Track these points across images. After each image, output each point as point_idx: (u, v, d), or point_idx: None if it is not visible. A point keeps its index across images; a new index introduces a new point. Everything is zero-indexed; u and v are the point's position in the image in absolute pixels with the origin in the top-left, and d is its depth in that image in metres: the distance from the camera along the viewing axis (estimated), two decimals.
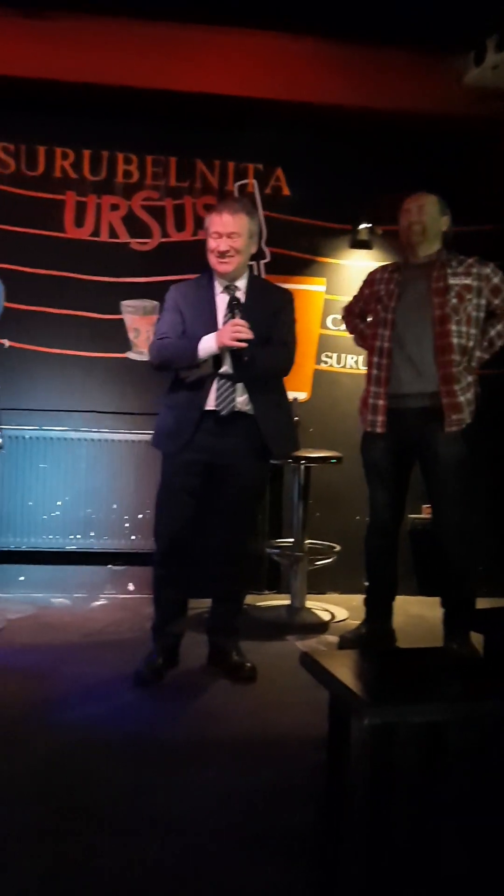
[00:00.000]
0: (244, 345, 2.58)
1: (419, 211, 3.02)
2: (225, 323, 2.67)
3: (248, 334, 2.58)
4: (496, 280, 2.99)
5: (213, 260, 2.72)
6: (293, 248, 4.13)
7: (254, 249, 2.77)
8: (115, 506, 3.87)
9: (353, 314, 3.27)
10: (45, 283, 3.91)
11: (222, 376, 2.68)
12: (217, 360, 2.67)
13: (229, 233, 2.68)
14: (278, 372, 2.80)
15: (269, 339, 2.70)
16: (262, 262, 4.11)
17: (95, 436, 3.85)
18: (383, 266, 3.24)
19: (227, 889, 1.63)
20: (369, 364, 3.10)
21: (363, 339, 3.23)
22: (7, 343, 3.91)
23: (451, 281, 2.95)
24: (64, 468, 3.85)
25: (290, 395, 4.07)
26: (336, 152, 4.09)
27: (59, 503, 3.84)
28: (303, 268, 4.15)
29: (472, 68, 3.65)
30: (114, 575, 3.91)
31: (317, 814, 1.69)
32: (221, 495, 2.76)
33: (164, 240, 4.02)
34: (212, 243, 2.70)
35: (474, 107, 3.84)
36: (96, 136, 3.97)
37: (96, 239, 3.98)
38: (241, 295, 2.74)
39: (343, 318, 3.37)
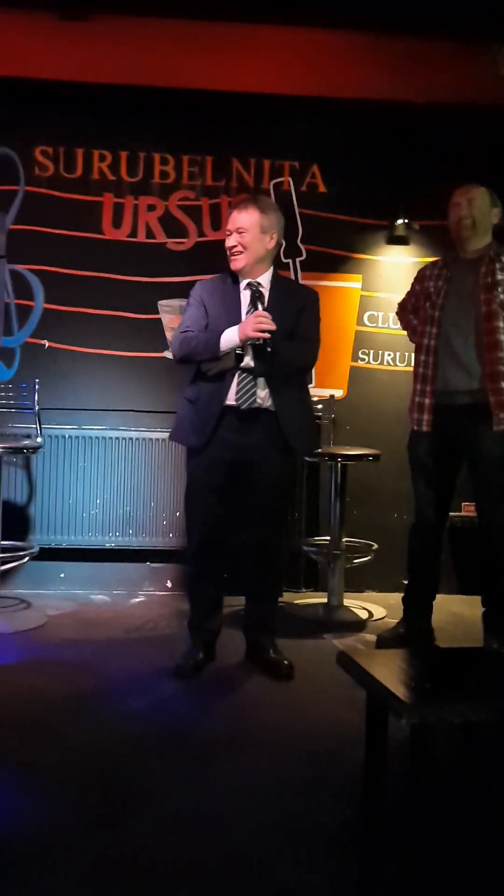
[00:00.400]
0: (267, 336, 2.58)
1: (469, 205, 2.95)
2: (248, 316, 2.68)
3: (271, 325, 2.58)
4: None
5: (229, 257, 2.76)
6: (329, 244, 4.11)
7: (270, 246, 2.75)
8: (153, 504, 3.91)
9: (407, 310, 3.20)
10: (84, 285, 3.96)
11: (243, 370, 2.68)
12: (239, 354, 2.68)
13: (237, 228, 2.71)
14: (300, 367, 2.79)
15: (292, 337, 2.70)
16: (298, 259, 4.11)
17: (134, 434, 3.90)
18: (434, 262, 3.17)
19: (266, 885, 1.64)
20: (416, 362, 3.06)
21: (416, 335, 3.18)
22: (47, 344, 3.97)
23: (500, 276, 2.88)
24: (103, 467, 3.90)
25: (327, 392, 4.10)
26: (372, 147, 4.06)
27: (98, 501, 3.90)
28: (339, 264, 4.13)
29: None
30: (152, 572, 3.96)
31: (355, 812, 1.69)
32: (247, 493, 2.75)
33: (200, 239, 4.04)
34: (226, 241, 2.76)
35: None
36: (133, 137, 4.00)
37: (133, 240, 4.02)
38: (264, 292, 2.74)
39: (397, 313, 3.32)
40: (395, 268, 4.14)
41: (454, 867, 1.63)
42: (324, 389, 4.12)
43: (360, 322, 4.16)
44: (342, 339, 4.14)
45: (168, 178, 4.05)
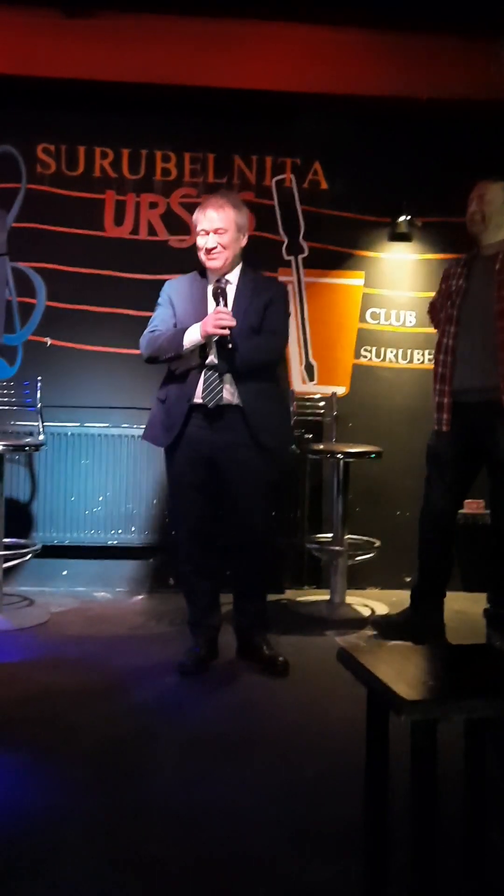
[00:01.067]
0: (227, 332, 2.58)
1: (479, 200, 2.96)
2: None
3: (231, 322, 2.58)
4: None
5: (202, 257, 2.73)
6: (331, 242, 4.11)
7: (243, 243, 2.76)
8: (155, 501, 3.91)
9: (437, 309, 3.20)
10: (86, 282, 3.96)
11: (209, 368, 2.67)
12: (203, 351, 2.67)
13: (215, 229, 2.69)
14: (265, 362, 2.75)
15: (259, 331, 2.69)
16: (301, 256, 4.10)
17: (136, 432, 3.88)
18: (457, 259, 3.17)
19: (272, 883, 1.65)
20: (436, 362, 3.06)
21: (438, 323, 3.17)
22: (50, 341, 3.97)
23: None
24: (105, 464, 3.90)
25: (329, 389, 4.10)
26: (374, 144, 4.05)
27: (100, 499, 3.90)
28: (341, 262, 4.12)
29: None
30: (155, 569, 3.96)
31: (361, 809, 1.69)
32: (225, 490, 2.74)
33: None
34: (199, 241, 2.72)
35: None
36: (135, 134, 4.00)
37: (136, 237, 4.02)
38: (232, 288, 2.73)
39: (428, 312, 3.31)
40: (397, 265, 4.13)
41: (459, 865, 1.62)
42: (326, 387, 4.12)
43: (362, 319, 4.15)
44: (345, 337, 4.13)
45: (170, 175, 4.04)
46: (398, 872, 1.54)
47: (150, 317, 3.97)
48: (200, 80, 3.75)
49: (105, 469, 3.89)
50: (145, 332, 2.81)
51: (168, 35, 3.71)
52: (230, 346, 2.60)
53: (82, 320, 3.96)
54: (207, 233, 2.71)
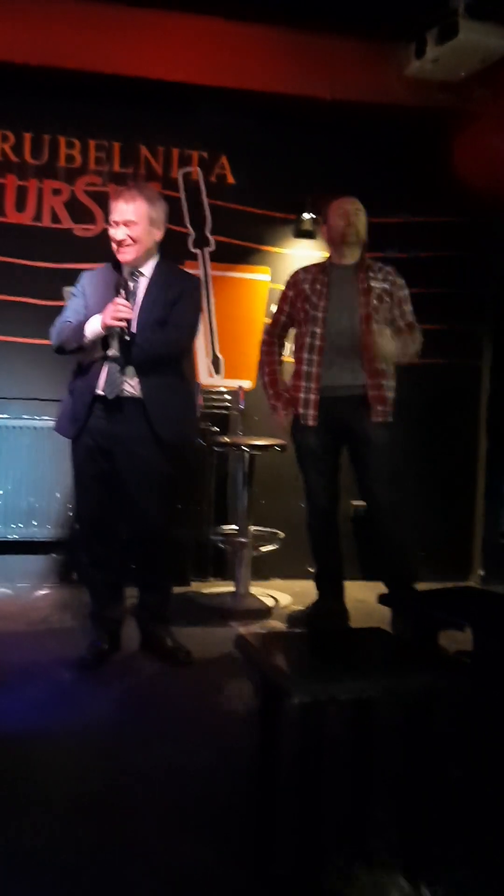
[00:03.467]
0: (124, 324, 2.59)
1: (356, 215, 3.13)
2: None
3: (129, 314, 2.59)
4: (404, 293, 3.16)
5: (113, 248, 2.72)
6: (238, 236, 4.13)
7: (158, 237, 2.75)
8: (57, 494, 3.84)
9: (277, 326, 3.31)
10: None
11: (112, 360, 2.68)
12: (106, 343, 2.67)
13: (125, 221, 2.67)
14: (164, 355, 2.73)
15: (166, 324, 2.70)
16: (207, 250, 4.11)
17: (38, 424, 3.80)
18: (304, 267, 3.31)
19: (166, 868, 1.65)
20: (298, 360, 3.19)
21: (270, 361, 3.28)
22: None
23: (373, 284, 3.12)
24: (6, 457, 3.79)
25: (236, 383, 4.13)
26: (282, 141, 4.10)
27: (0, 492, 3.79)
28: (247, 256, 4.16)
29: (413, 60, 3.70)
30: (57, 564, 3.88)
31: (252, 793, 1.73)
32: (123, 483, 2.73)
33: (107, 226, 3.97)
34: (110, 232, 2.70)
35: (417, 98, 3.89)
36: (38, 118, 3.89)
37: (38, 224, 3.92)
38: (144, 281, 2.73)
39: (267, 334, 3.38)
40: (302, 261, 4.13)
41: (345, 843, 1.68)
42: (232, 380, 4.15)
43: (268, 314, 4.20)
44: (251, 331, 4.17)
45: (74, 162, 3.96)
46: (286, 851, 1.58)
47: (53, 306, 3.93)
48: (108, 68, 3.68)
49: (5, 462, 3.78)
50: (56, 321, 2.77)
51: (75, 19, 3.63)
52: (127, 338, 2.60)
53: None
54: (118, 224, 2.68)
